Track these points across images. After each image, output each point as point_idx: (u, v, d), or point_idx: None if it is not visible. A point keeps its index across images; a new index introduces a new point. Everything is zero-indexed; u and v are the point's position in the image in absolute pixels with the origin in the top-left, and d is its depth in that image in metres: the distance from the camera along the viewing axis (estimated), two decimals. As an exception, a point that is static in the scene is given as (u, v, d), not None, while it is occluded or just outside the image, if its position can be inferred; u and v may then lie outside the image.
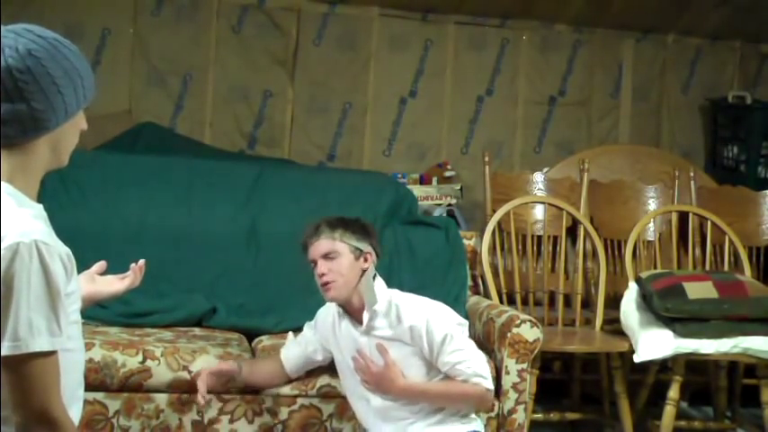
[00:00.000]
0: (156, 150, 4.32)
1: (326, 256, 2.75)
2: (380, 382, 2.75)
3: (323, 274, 2.74)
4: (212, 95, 5.25)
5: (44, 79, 1.72)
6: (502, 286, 3.99)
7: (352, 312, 2.82)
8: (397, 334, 2.75)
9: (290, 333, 3.15)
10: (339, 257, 2.74)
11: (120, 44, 5.07)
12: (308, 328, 3.05)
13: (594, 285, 4.15)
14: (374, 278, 2.81)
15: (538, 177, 4.46)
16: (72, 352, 1.79)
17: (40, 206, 1.79)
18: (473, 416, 2.88)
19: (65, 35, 1.82)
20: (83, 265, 1.92)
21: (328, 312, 2.95)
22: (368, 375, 2.76)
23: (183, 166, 4.04)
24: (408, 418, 2.78)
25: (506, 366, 3.31)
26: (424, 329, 2.71)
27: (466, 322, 2.83)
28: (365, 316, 2.78)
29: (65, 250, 1.73)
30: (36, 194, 1.80)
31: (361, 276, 2.76)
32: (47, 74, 1.73)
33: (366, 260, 2.78)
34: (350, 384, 2.89)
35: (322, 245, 2.76)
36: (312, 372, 3.14)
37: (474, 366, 2.73)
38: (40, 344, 1.65)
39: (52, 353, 1.68)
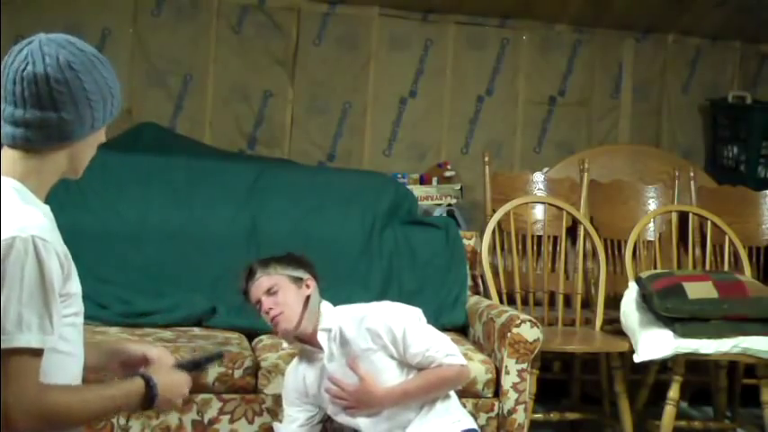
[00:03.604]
0: (156, 150, 4.32)
1: (268, 292, 2.72)
2: (360, 398, 2.71)
3: (270, 310, 2.71)
4: (212, 95, 5.24)
5: (79, 93, 1.74)
6: (502, 286, 3.98)
7: (311, 342, 2.78)
8: (360, 346, 2.72)
9: (275, 425, 3.02)
10: (281, 290, 2.72)
11: (120, 44, 5.06)
12: (285, 404, 2.94)
13: (594, 285, 4.14)
14: (320, 303, 2.79)
15: (538, 177, 4.46)
16: (65, 355, 1.77)
17: (47, 207, 1.79)
18: (465, 413, 2.87)
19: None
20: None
21: (290, 372, 2.92)
22: (346, 397, 2.72)
23: (182, 166, 4.05)
24: (397, 427, 2.75)
25: (506, 366, 3.31)
26: (382, 329, 2.70)
27: (419, 310, 2.81)
28: (321, 337, 2.74)
29: (62, 249, 1.73)
30: (45, 198, 1.81)
31: (307, 303, 2.74)
32: (82, 88, 1.74)
33: (308, 286, 2.77)
34: (342, 420, 2.82)
35: (261, 283, 2.74)
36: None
37: (442, 348, 2.73)
38: (27, 339, 1.64)
39: (40, 351, 1.67)
